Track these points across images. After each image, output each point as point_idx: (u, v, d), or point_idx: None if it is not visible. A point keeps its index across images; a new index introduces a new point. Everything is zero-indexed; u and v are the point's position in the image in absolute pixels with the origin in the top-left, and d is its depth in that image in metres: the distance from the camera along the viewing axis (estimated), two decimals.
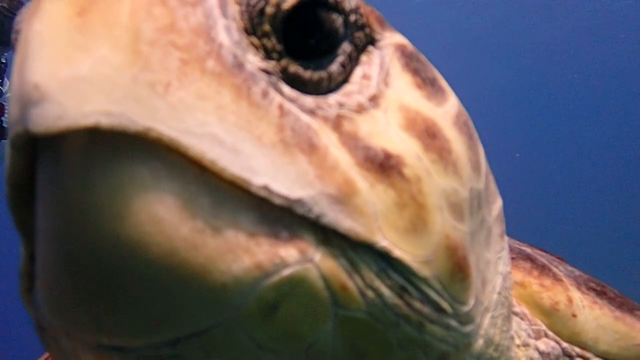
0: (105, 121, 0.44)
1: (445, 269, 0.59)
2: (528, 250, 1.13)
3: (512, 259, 1.06)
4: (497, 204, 0.76)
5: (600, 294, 1.01)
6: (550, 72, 18.07)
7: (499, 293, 0.73)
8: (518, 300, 0.98)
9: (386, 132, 0.57)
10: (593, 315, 0.97)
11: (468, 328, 0.64)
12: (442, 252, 0.58)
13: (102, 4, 0.46)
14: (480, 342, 0.68)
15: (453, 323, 0.61)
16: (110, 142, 0.45)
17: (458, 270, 0.60)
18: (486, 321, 0.69)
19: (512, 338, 0.82)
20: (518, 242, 1.16)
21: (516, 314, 0.93)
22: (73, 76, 0.44)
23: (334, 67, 0.57)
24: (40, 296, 0.53)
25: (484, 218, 0.69)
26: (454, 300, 0.61)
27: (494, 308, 0.71)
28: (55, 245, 0.48)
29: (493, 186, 0.75)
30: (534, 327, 0.93)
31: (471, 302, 0.63)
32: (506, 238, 0.79)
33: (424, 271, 0.57)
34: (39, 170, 0.49)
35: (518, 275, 1.03)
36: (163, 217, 0.46)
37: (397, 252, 0.55)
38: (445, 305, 0.60)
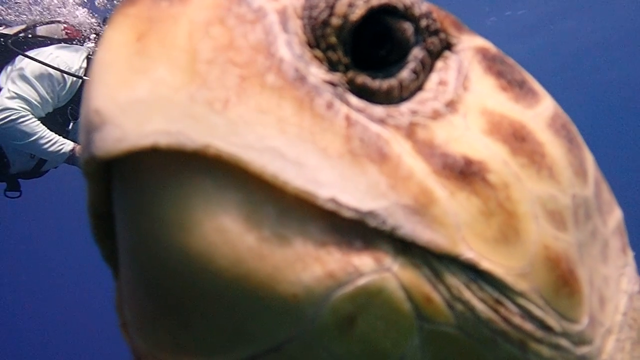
0: (163, 140, 0.45)
1: (546, 283, 0.53)
2: None
3: None
4: (615, 215, 0.68)
5: None
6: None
7: (625, 314, 0.65)
8: None
9: (466, 137, 0.54)
10: None
11: (583, 349, 0.57)
12: (540, 263, 0.53)
13: (160, 28, 0.48)
14: None
15: (564, 343, 0.55)
16: (173, 160, 0.46)
17: (563, 284, 0.54)
18: (609, 344, 0.62)
19: None
20: None
21: None
22: (131, 99, 0.46)
23: (405, 73, 0.55)
24: (128, 321, 0.54)
25: (596, 229, 0.62)
26: (562, 317, 0.55)
27: (618, 330, 0.63)
28: (131, 263, 0.49)
29: (607, 195, 0.68)
30: None
31: (584, 320, 0.57)
32: (631, 253, 0.71)
33: (520, 285, 0.52)
34: (114, 197, 0.51)
35: None
36: (228, 227, 0.45)
37: (486, 264, 0.50)
38: (551, 322, 0.54)
